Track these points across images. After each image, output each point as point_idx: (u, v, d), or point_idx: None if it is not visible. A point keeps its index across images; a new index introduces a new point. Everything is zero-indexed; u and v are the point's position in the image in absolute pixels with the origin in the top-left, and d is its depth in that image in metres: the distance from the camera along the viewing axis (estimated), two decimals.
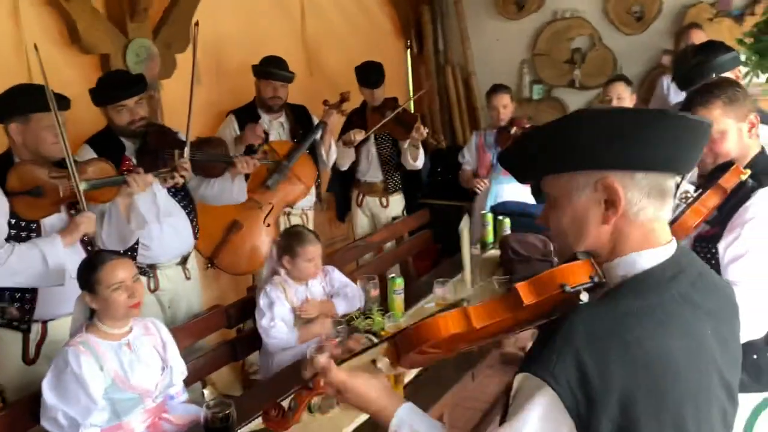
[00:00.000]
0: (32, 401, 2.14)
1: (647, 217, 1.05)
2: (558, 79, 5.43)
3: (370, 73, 4.16)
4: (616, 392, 0.93)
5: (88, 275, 2.17)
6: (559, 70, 5.39)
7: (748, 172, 1.89)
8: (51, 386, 2.08)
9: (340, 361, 1.21)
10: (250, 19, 4.19)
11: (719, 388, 1.04)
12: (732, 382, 1.08)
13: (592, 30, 5.17)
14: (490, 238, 3.77)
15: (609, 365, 0.94)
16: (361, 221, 4.51)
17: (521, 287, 1.05)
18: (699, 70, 2.70)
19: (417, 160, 4.21)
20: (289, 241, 2.79)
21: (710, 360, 1.03)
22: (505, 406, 1.07)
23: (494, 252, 3.58)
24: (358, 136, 4.02)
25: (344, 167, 4.27)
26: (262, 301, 2.73)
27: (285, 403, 1.31)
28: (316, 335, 2.65)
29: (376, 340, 2.37)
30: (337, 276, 2.95)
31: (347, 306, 2.79)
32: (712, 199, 1.89)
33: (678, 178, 1.12)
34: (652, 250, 1.05)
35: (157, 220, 2.92)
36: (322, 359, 1.18)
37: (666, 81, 4.61)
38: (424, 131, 4.02)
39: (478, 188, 4.36)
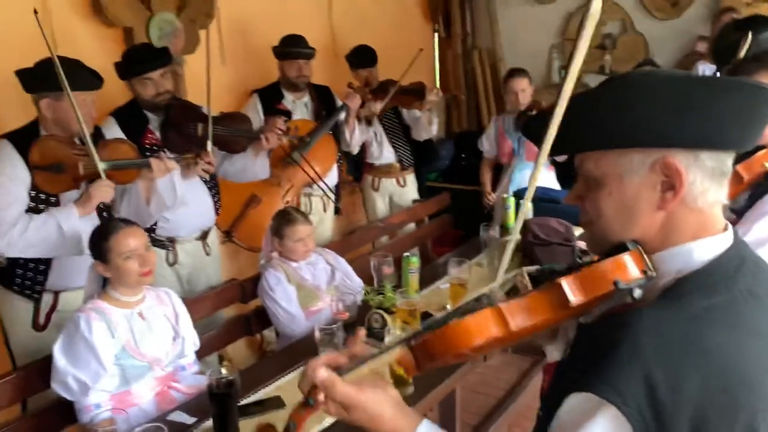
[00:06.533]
0: (43, 365, 2.16)
1: (707, 202, 0.90)
2: (588, 64, 5.31)
3: (365, 53, 4.16)
4: (689, 410, 0.80)
5: (100, 244, 2.18)
6: (589, 55, 5.20)
7: None
8: (62, 350, 2.10)
9: (343, 372, 0.99)
10: None
11: None
12: None
13: (624, 15, 5.05)
14: (511, 222, 3.71)
15: (682, 380, 0.80)
16: (378, 205, 4.48)
17: (568, 283, 0.90)
18: (739, 45, 2.59)
19: (432, 124, 4.19)
20: (279, 223, 2.78)
21: None
22: (540, 419, 0.95)
23: (515, 236, 3.52)
24: (378, 105, 4.00)
25: (358, 148, 4.23)
26: (266, 299, 2.73)
27: (281, 426, 1.14)
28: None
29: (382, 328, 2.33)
30: (343, 266, 2.94)
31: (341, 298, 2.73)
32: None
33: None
34: (710, 238, 0.91)
35: (176, 202, 2.91)
36: (323, 372, 0.96)
37: (701, 67, 4.47)
38: (439, 92, 3.99)
39: (488, 201, 4.33)
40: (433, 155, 4.68)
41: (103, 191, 2.48)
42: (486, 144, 4.41)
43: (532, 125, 1.08)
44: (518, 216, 3.25)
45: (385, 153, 4.34)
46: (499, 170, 4.41)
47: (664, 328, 0.84)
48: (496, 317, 0.91)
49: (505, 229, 3.64)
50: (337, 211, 4.20)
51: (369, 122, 4.15)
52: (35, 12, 2.32)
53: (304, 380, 0.97)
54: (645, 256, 0.92)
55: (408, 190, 4.46)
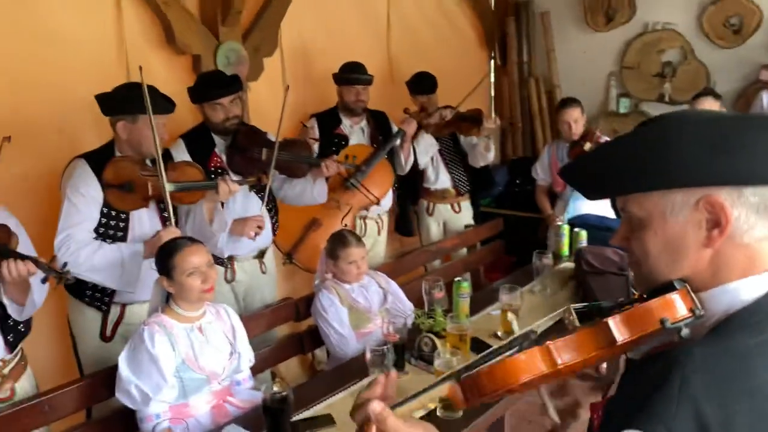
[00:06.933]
0: (108, 374, 2.28)
1: (755, 238, 0.90)
2: (646, 92, 5.27)
3: (424, 80, 4.23)
4: None
5: (165, 261, 2.29)
6: (648, 83, 5.23)
7: None
8: (127, 361, 2.21)
9: (396, 405, 1.03)
10: (335, 27, 4.32)
11: None
12: None
13: (684, 42, 4.99)
14: (565, 250, 3.70)
15: (733, 418, 0.80)
16: (432, 230, 4.52)
17: (614, 322, 0.91)
18: None
19: (489, 151, 4.19)
20: (333, 245, 2.84)
21: None
22: None
23: (568, 264, 3.51)
24: (446, 113, 4.07)
25: (426, 159, 4.28)
26: (319, 319, 2.79)
27: None
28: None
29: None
30: (394, 289, 2.98)
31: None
32: None
33: None
34: (758, 276, 0.91)
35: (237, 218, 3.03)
36: (376, 405, 0.99)
37: (766, 97, 4.39)
38: (497, 119, 4.00)
39: (554, 223, 4.27)
40: (489, 182, 4.70)
41: (172, 236, 2.59)
42: (540, 171, 4.40)
43: (573, 171, 1.08)
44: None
45: (441, 178, 4.39)
46: (553, 198, 4.40)
47: (714, 364, 0.84)
48: (544, 355, 0.93)
49: (558, 257, 3.63)
50: (398, 228, 4.37)
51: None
52: (140, 68, 2.50)
53: (357, 411, 1.01)
54: (693, 295, 0.92)
55: (462, 215, 4.48)
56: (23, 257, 2.08)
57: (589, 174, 1.01)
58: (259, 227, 3.00)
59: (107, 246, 2.59)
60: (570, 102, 4.14)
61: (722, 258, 0.92)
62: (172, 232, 2.58)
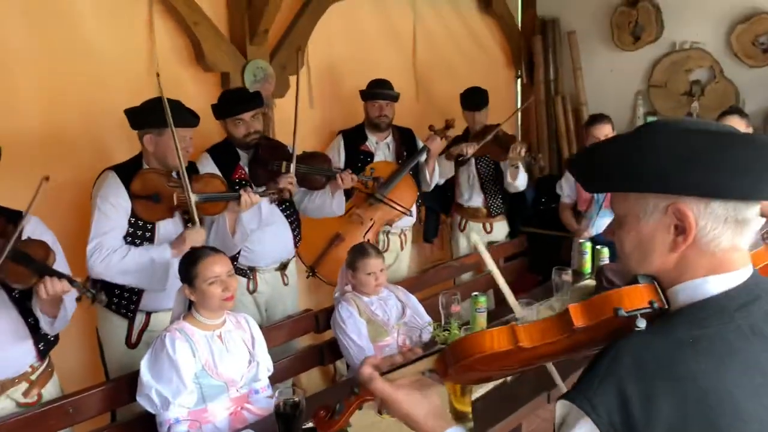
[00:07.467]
0: (131, 379, 2.36)
1: (721, 248, 0.96)
2: (674, 111, 5.22)
3: (471, 97, 4.25)
4: (662, 428, 0.85)
5: (188, 269, 2.37)
6: (676, 102, 5.19)
7: None
8: (148, 366, 2.28)
9: (386, 371, 1.16)
10: (362, 45, 4.40)
11: None
12: None
13: (713, 61, 4.95)
14: (587, 268, 3.69)
15: (655, 398, 0.87)
16: (461, 246, 4.54)
17: (573, 309, 1.00)
18: None
19: (516, 180, 4.16)
20: (353, 256, 2.88)
21: None
22: None
23: (589, 282, 3.50)
24: (469, 149, 4.06)
25: (441, 182, 4.31)
26: (338, 331, 2.82)
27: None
28: None
29: None
30: (413, 303, 3.00)
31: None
32: None
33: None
34: (721, 275, 0.96)
35: (259, 230, 3.10)
36: (366, 369, 1.15)
37: None
38: (522, 150, 3.98)
39: (583, 237, 4.22)
40: (522, 205, 4.65)
41: (196, 236, 2.69)
42: (566, 188, 4.37)
43: (576, 163, 1.15)
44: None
45: (474, 197, 4.40)
46: (577, 216, 4.38)
47: (645, 349, 0.91)
48: (510, 333, 1.03)
49: (579, 275, 3.62)
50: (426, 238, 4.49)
51: (459, 162, 4.20)
52: (157, 75, 2.62)
53: (355, 374, 1.12)
54: (658, 290, 0.99)
55: (494, 236, 4.45)
56: (60, 275, 2.15)
57: (586, 166, 1.08)
58: (291, 184, 3.05)
59: (135, 249, 2.67)
60: (601, 118, 4.08)
61: (687, 261, 0.98)
62: (197, 232, 2.66)
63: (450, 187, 4.48)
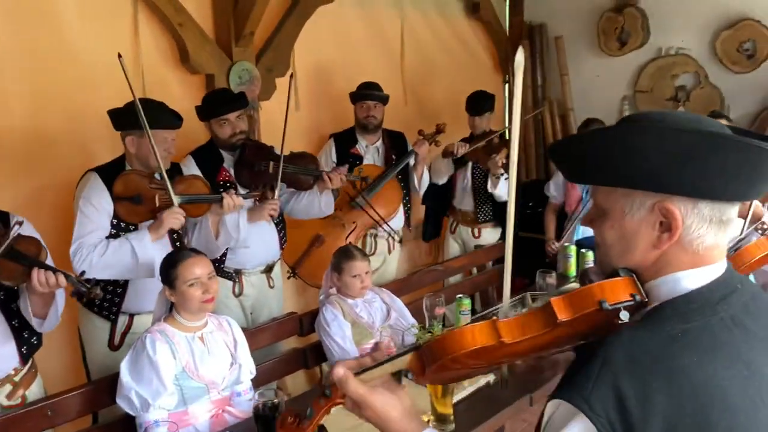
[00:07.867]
0: (112, 381, 2.33)
1: (704, 246, 0.96)
2: None
3: (474, 101, 4.29)
4: (658, 423, 0.86)
5: (168, 271, 2.36)
6: (662, 107, 5.22)
7: None
8: (128, 367, 2.26)
9: (360, 371, 1.12)
10: (349, 49, 4.41)
11: None
12: None
13: (698, 67, 5.00)
14: (572, 271, 3.70)
15: (651, 394, 0.87)
16: (452, 248, 4.56)
17: (556, 302, 0.98)
18: None
19: (495, 189, 4.17)
20: (338, 258, 2.88)
21: (766, 392, 0.92)
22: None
23: (573, 285, 3.51)
24: (460, 149, 4.10)
25: (441, 181, 4.33)
26: (322, 334, 2.81)
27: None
28: None
29: None
30: (398, 305, 3.00)
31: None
32: None
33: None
34: (699, 269, 0.97)
35: (240, 240, 3.07)
36: (340, 370, 1.10)
37: None
38: (498, 160, 4.00)
39: (551, 250, 4.27)
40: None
41: (173, 218, 2.65)
42: (553, 189, 4.40)
43: (558, 151, 1.12)
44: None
45: (465, 200, 4.43)
46: (563, 219, 4.40)
47: (638, 345, 0.92)
48: (491, 328, 1.00)
49: (564, 278, 3.63)
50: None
51: (457, 162, 4.22)
52: (119, 56, 2.58)
53: (329, 376, 1.09)
54: (638, 283, 0.99)
55: (482, 241, 4.46)
56: (55, 270, 2.14)
57: (569, 157, 1.07)
58: (274, 210, 3.04)
59: (114, 241, 2.64)
60: (594, 122, 4.16)
61: (668, 258, 0.98)
62: (173, 213, 2.64)
63: (450, 187, 4.50)
